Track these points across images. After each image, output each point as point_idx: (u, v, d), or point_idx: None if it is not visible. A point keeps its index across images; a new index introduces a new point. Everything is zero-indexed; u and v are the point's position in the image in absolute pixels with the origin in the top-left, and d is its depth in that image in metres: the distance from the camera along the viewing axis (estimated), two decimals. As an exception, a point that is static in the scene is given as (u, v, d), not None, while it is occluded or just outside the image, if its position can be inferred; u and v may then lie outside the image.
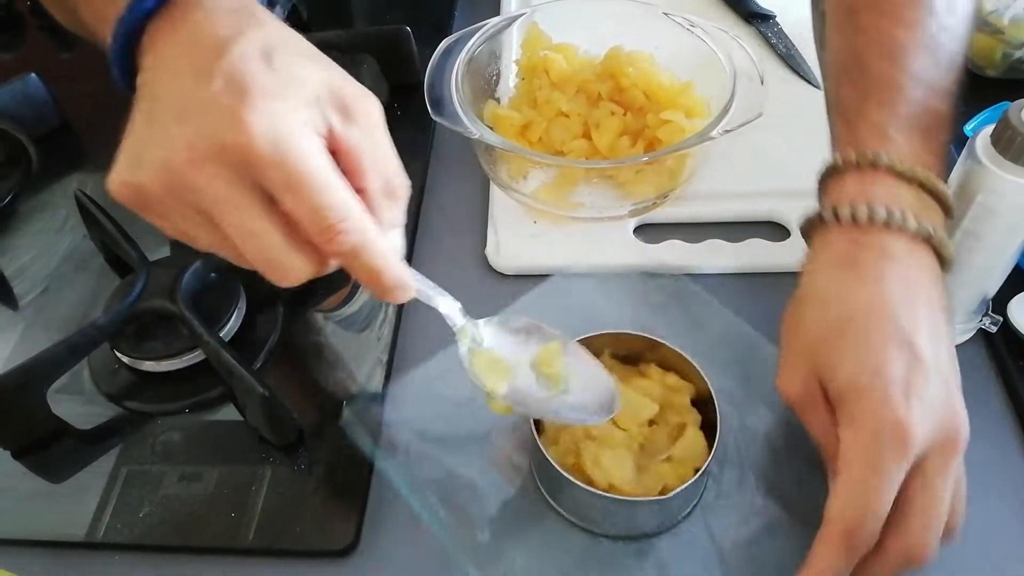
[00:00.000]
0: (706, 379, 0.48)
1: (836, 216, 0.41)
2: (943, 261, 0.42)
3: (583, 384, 0.45)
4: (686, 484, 0.44)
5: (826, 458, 0.41)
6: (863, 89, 0.45)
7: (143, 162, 0.34)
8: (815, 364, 0.41)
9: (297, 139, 0.32)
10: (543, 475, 0.48)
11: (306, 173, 0.32)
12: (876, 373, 0.38)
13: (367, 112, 0.36)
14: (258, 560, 0.47)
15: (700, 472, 0.44)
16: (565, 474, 0.44)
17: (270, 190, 0.33)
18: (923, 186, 0.42)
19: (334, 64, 0.36)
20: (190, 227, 0.35)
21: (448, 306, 0.43)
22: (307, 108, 0.34)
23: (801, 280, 0.44)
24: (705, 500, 0.48)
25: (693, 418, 0.48)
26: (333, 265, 0.36)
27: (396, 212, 0.37)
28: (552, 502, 0.48)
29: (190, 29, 0.34)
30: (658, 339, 0.50)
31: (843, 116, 0.46)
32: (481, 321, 0.45)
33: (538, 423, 0.47)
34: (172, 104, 0.33)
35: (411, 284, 0.37)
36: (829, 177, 0.44)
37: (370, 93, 0.36)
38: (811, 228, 0.44)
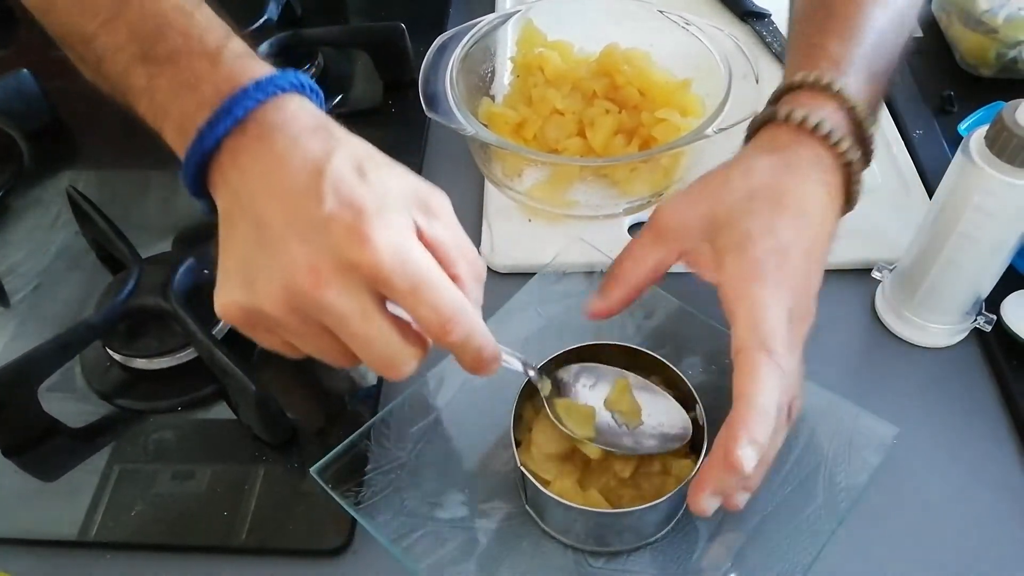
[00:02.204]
0: (696, 397, 0.47)
1: (788, 117, 0.46)
2: (849, 196, 0.47)
3: (655, 413, 0.47)
4: (657, 501, 0.43)
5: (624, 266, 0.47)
6: (825, 27, 0.49)
7: (258, 284, 0.35)
8: (715, 211, 0.44)
9: (412, 247, 0.35)
10: (528, 492, 0.47)
11: (426, 277, 0.35)
12: (767, 233, 0.43)
13: (443, 206, 0.38)
14: (251, 559, 0.47)
15: (667, 496, 0.43)
16: (539, 486, 0.44)
17: (390, 296, 0.35)
18: (858, 126, 0.46)
19: (406, 167, 0.38)
20: (302, 340, 0.37)
21: (521, 365, 0.44)
22: (403, 214, 0.36)
23: (736, 156, 0.47)
24: (684, 519, 0.47)
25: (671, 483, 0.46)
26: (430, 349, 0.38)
27: (481, 292, 0.39)
28: (537, 519, 0.48)
29: (278, 150, 0.36)
30: (651, 352, 0.49)
31: (804, 47, 0.50)
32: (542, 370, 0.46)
33: (517, 439, 0.47)
34: (285, 225, 0.34)
35: (501, 356, 0.40)
36: (784, 94, 0.48)
37: (440, 189, 0.39)
38: (760, 125, 0.48)
